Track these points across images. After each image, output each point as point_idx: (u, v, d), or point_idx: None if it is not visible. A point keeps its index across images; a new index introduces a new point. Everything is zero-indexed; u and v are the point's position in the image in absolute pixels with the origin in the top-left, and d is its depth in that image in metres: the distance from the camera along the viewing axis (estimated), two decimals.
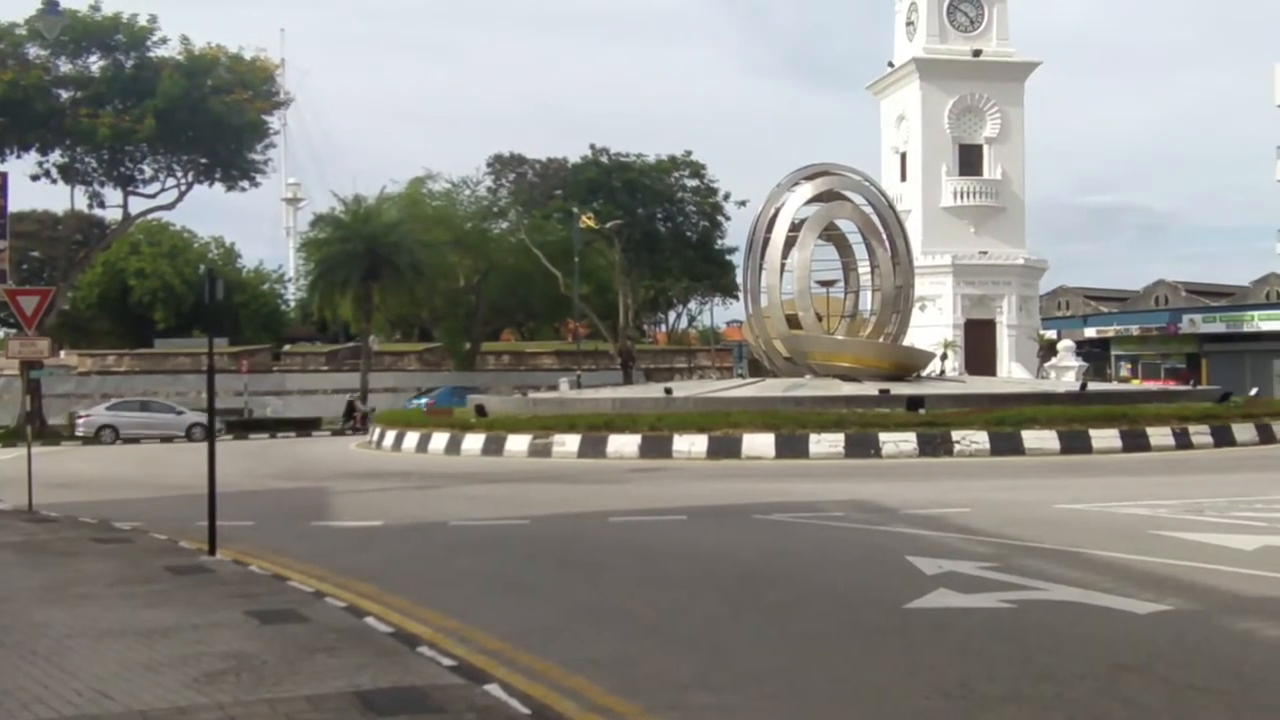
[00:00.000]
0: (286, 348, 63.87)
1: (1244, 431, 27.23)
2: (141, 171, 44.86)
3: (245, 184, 45.55)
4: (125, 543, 13.15)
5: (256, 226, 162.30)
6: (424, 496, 19.24)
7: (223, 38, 51.66)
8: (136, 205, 46.07)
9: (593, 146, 56.48)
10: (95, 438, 38.40)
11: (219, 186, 45.52)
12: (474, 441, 28.40)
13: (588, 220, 50.51)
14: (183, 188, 45.56)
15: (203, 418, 39.91)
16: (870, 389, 29.26)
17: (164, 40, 42.50)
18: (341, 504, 18.15)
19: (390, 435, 32.26)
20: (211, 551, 11.91)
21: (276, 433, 42.41)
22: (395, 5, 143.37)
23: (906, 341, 36.62)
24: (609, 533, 14.14)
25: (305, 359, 60.64)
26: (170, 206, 46.92)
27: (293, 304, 76.05)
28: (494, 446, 27.67)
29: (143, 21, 41.68)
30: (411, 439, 30.81)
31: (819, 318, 34.65)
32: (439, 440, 29.57)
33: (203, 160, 44.65)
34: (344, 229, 49.71)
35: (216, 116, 41.74)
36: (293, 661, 6.96)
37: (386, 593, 9.96)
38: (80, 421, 40.15)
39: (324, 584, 10.39)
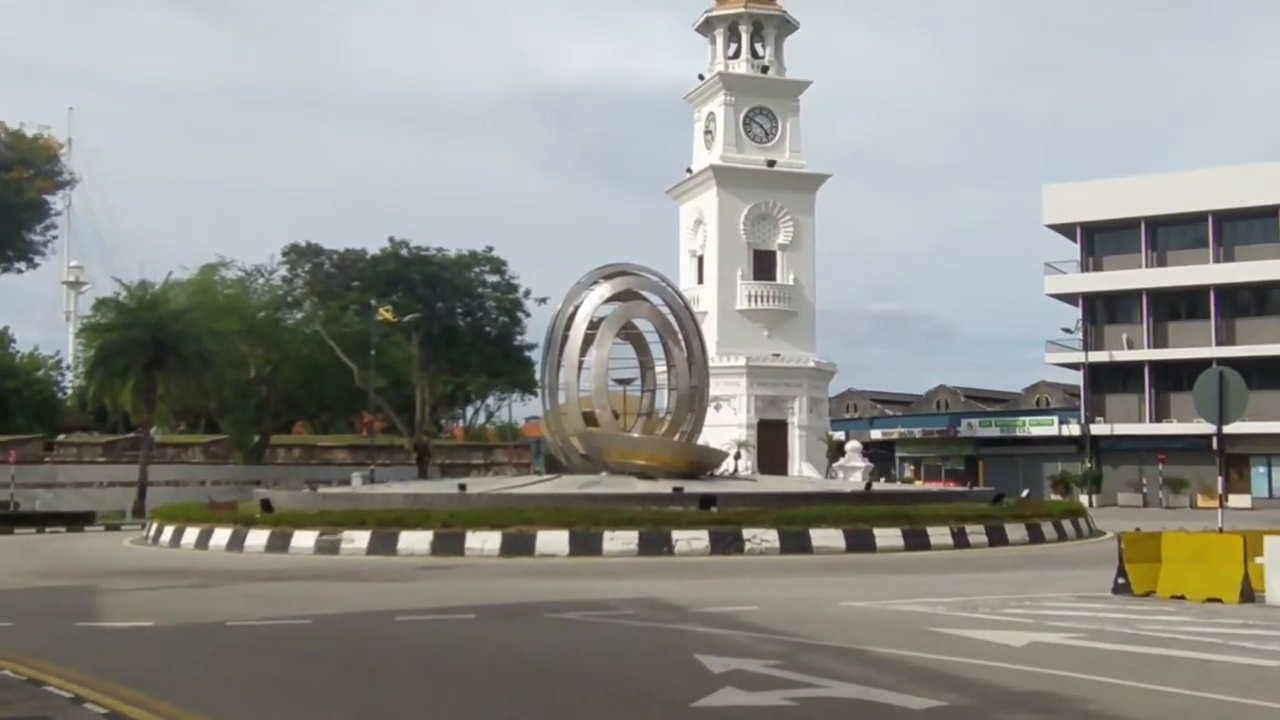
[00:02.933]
0: (61, 437, 60.45)
1: (1016, 531, 28.25)
2: None
3: (22, 265, 43.56)
4: None
5: (33, 310, 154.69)
6: (201, 595, 18.38)
7: (3, 113, 49.52)
8: None
9: (392, 239, 56.07)
10: None
11: None
12: (258, 538, 27.34)
13: (385, 313, 49.88)
14: None
15: None
16: (664, 487, 29.48)
17: None
18: (110, 603, 17.14)
19: (169, 530, 30.77)
20: None
21: (45, 527, 39.94)
22: (192, 87, 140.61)
23: (701, 440, 37.12)
24: (394, 633, 13.76)
25: (81, 450, 57.50)
26: None
27: (70, 392, 72.32)
28: (279, 543, 26.69)
29: None
30: (191, 534, 29.46)
31: (616, 415, 34.90)
32: (221, 536, 28.36)
33: None
34: (128, 315, 47.69)
35: None
36: None
37: (153, 698, 9.41)
38: None
39: (85, 689, 9.75)
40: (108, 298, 50.31)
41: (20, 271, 43.50)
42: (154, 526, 32.33)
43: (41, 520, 41.18)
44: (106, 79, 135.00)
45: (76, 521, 40.95)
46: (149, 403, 48.92)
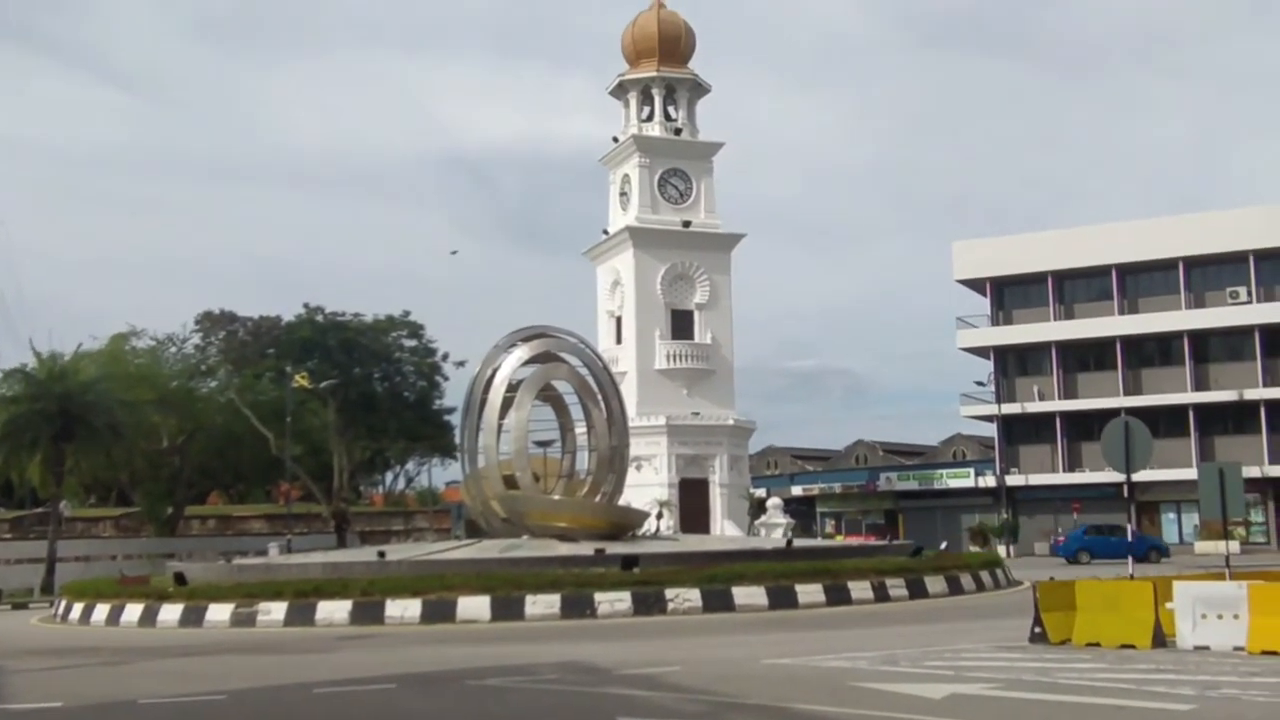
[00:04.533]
0: None
1: (935, 584, 28.53)
2: None
3: None
4: None
5: None
6: (112, 673, 17.87)
7: None
8: None
9: (307, 305, 55.53)
10: None
11: None
12: (171, 612, 26.71)
13: (301, 380, 49.35)
14: None
15: None
16: (586, 549, 29.36)
17: None
18: (17, 684, 16.58)
19: (78, 607, 29.92)
20: None
21: None
22: (101, 154, 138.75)
23: (623, 500, 37.08)
24: (313, 706, 13.52)
25: None
26: None
27: None
28: (193, 617, 26.10)
29: None
30: (102, 611, 28.65)
31: (536, 478, 34.75)
32: (133, 611, 27.64)
33: None
34: (35, 386, 46.60)
35: None
36: None
37: None
38: None
39: None
40: (14, 369, 49.15)
41: None
42: (63, 604, 31.46)
43: None
44: (16, 145, 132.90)
45: None
46: (58, 476, 47.79)
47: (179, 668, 18.30)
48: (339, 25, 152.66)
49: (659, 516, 44.57)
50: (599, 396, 35.35)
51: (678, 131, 55.63)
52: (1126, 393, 59.98)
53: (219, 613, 25.83)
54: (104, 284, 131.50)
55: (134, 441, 48.94)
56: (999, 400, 64.76)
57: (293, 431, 48.51)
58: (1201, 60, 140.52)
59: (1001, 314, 66.14)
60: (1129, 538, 35.70)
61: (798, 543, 38.15)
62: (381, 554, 31.64)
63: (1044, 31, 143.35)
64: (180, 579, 29.60)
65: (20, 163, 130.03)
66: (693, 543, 35.83)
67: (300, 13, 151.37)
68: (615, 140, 56.47)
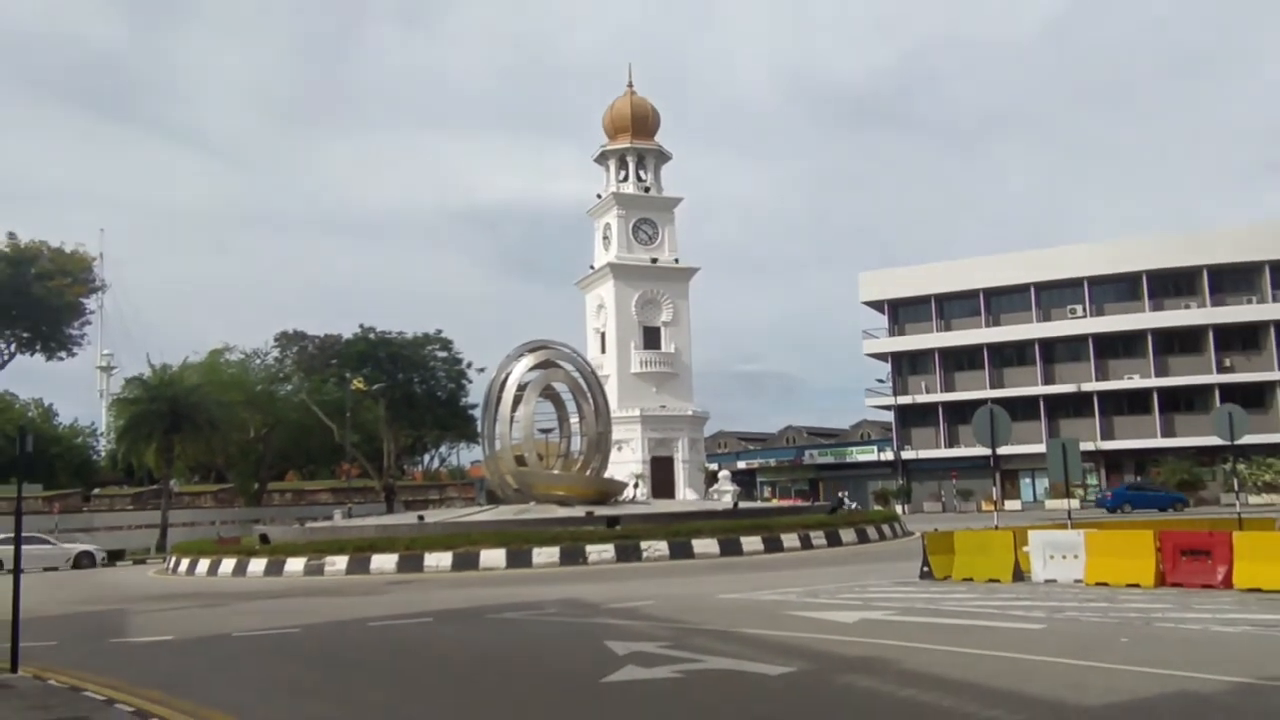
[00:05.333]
0: (96, 491, 57.94)
1: (848, 535, 28.64)
2: None
3: (63, 355, 42.13)
4: None
5: (72, 391, 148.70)
6: (211, 613, 17.73)
7: (49, 235, 48.08)
8: None
9: (361, 325, 55.07)
10: None
11: (39, 357, 41.84)
12: (258, 565, 26.53)
13: (358, 384, 49.12)
14: (6, 357, 41.60)
15: (88, 547, 35.87)
16: (579, 512, 29.31)
17: None
18: (137, 623, 16.47)
19: (185, 562, 29.68)
20: (14, 669, 10.55)
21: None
22: (201, 209, 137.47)
23: (607, 474, 37.03)
24: (368, 635, 13.45)
25: (113, 500, 55.05)
26: None
27: (103, 454, 69.52)
28: (275, 568, 25.93)
29: None
30: (204, 565, 28.43)
31: (540, 458, 34.69)
32: (227, 565, 27.44)
33: (25, 334, 40.96)
34: (151, 390, 46.11)
35: (38, 299, 38.58)
36: None
37: (174, 698, 9.08)
38: None
39: (117, 693, 9.37)
40: (134, 377, 48.64)
41: (61, 359, 42.00)
42: (173, 560, 31.21)
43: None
44: (131, 203, 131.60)
45: (110, 559, 39.27)
46: (168, 460, 47.30)
47: (264, 608, 18.19)
48: (383, 107, 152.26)
49: (635, 486, 44.47)
50: (588, 394, 35.32)
51: (647, 189, 55.63)
52: (992, 386, 60.28)
53: (295, 565, 25.69)
54: (203, 311, 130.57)
55: (228, 433, 48.52)
56: (895, 393, 64.99)
57: (351, 424, 48.28)
58: (1047, 131, 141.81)
59: (896, 327, 66.30)
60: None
61: (742, 505, 38.18)
62: (421, 518, 31.51)
63: (926, 110, 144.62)
64: (264, 539, 29.43)
65: (135, 217, 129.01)
66: (661, 506, 35.81)
67: (353, 96, 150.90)
68: (599, 197, 56.39)
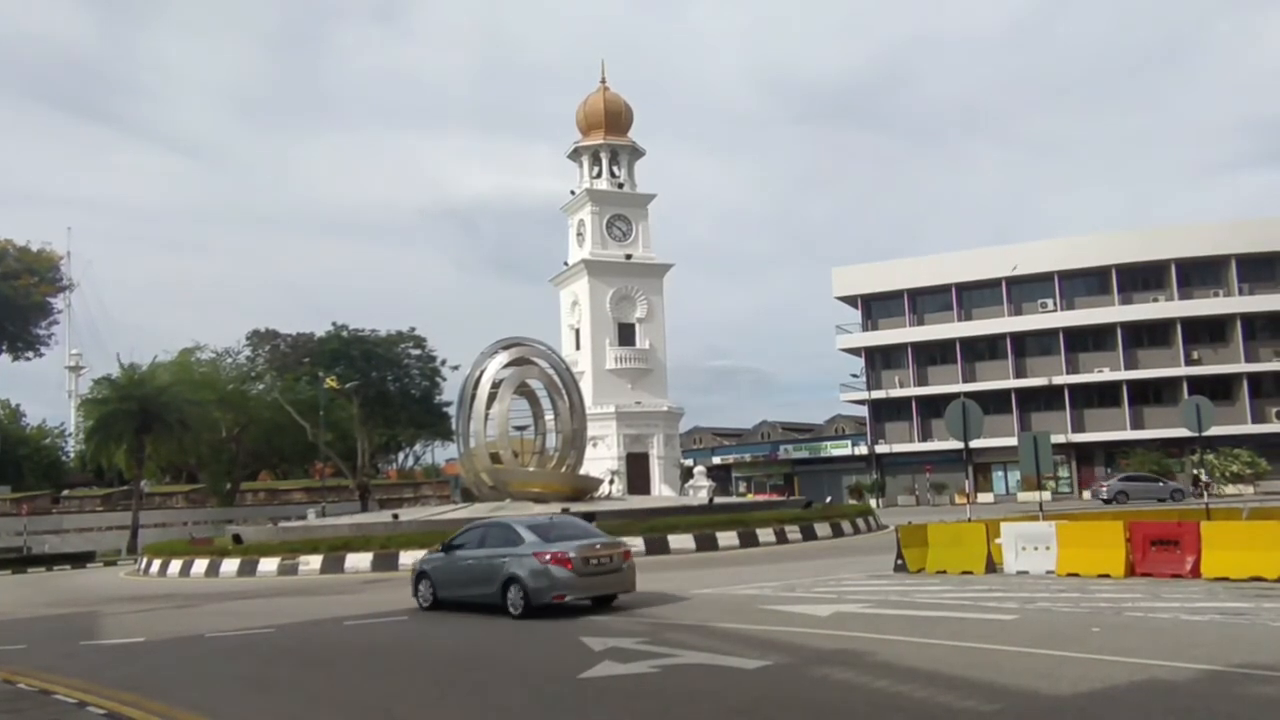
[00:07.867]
0: (65, 492, 57.29)
1: (822, 529, 28.75)
2: None
3: (30, 354, 41.56)
4: None
5: (40, 391, 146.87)
6: (184, 614, 17.56)
7: (13, 233, 47.43)
8: None
9: (334, 323, 54.77)
10: None
11: (6, 357, 41.25)
12: (231, 565, 26.32)
13: (331, 382, 48.76)
14: None
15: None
16: (555, 508, 29.12)
17: None
18: (108, 625, 16.29)
19: (157, 563, 29.40)
20: None
21: (53, 566, 37.69)
22: (170, 208, 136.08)
23: (583, 471, 36.99)
24: (344, 634, 13.38)
25: (83, 501, 54.51)
26: None
27: (73, 455, 68.72)
28: (248, 568, 25.73)
29: None
30: (176, 565, 28.18)
31: (515, 455, 34.63)
32: (200, 565, 27.20)
33: None
34: (120, 390, 45.68)
35: (5, 298, 38.05)
36: None
37: (146, 699, 9.00)
38: None
39: (88, 695, 9.27)
40: (103, 377, 48.20)
41: (29, 359, 41.53)
42: (145, 561, 30.91)
43: (50, 560, 38.96)
44: (99, 203, 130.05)
45: (79, 560, 38.86)
46: (139, 461, 46.92)
47: (237, 608, 18.06)
48: (355, 106, 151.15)
49: (611, 482, 44.49)
50: (563, 391, 35.24)
51: (620, 186, 55.51)
52: (964, 380, 60.64)
53: (269, 565, 25.52)
54: (173, 309, 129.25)
55: (199, 432, 48.19)
56: (869, 388, 65.29)
57: (325, 423, 47.96)
58: (1014, 130, 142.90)
59: (870, 322, 66.60)
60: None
61: (718, 500, 38.25)
62: (395, 516, 31.35)
63: (896, 110, 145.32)
64: (237, 539, 29.19)
65: (103, 216, 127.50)
66: (637, 502, 35.82)
67: (325, 95, 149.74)
68: (573, 193, 56.19)
